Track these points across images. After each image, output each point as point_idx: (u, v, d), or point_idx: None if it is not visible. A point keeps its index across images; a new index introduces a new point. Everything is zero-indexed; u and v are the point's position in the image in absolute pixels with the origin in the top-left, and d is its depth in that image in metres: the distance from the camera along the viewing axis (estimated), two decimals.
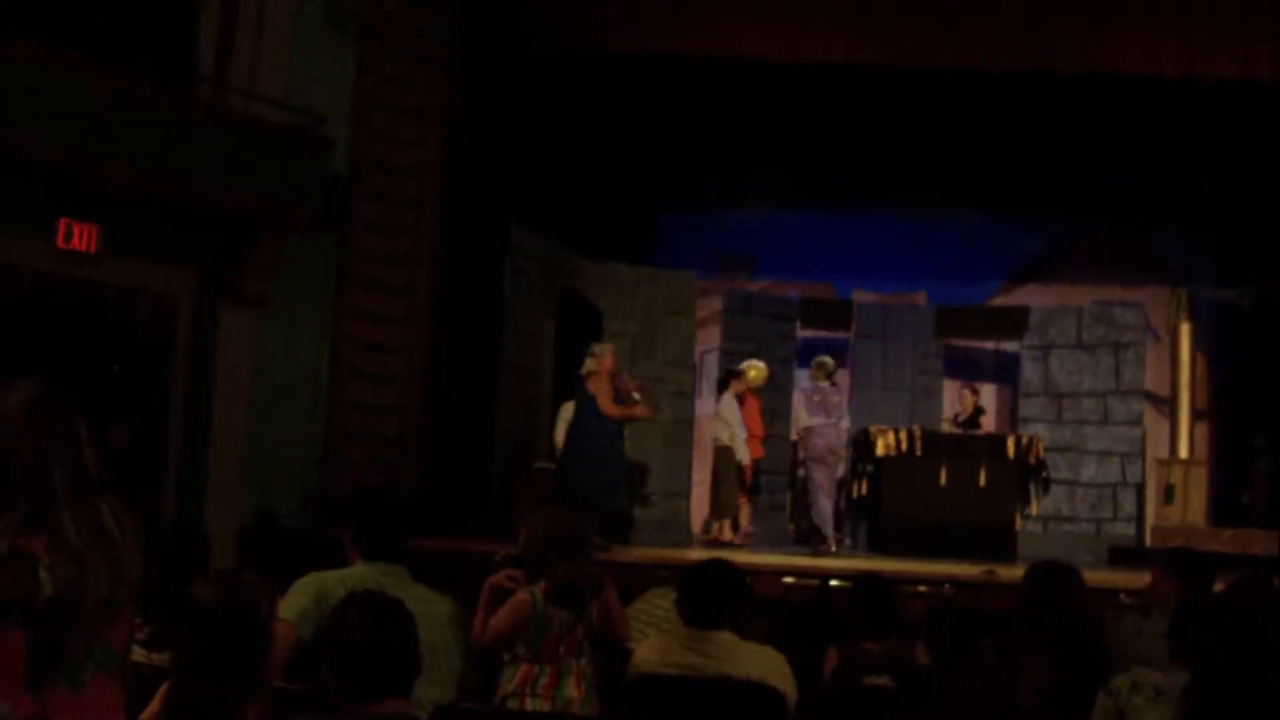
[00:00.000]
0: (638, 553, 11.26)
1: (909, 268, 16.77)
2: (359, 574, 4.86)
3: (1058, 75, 12.81)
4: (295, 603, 4.69)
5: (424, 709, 4.40)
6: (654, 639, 5.20)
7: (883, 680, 5.58)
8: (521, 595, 5.07)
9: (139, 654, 4.57)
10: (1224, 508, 15.27)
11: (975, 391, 14.75)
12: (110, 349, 9.78)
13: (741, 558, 10.56)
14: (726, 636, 5.03)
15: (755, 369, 13.68)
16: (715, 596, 5.10)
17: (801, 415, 13.29)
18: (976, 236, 16.57)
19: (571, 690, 5.04)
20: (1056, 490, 14.70)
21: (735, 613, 5.14)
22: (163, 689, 3.78)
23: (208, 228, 10.31)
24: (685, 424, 14.67)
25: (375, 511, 5.11)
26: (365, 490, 5.29)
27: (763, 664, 4.96)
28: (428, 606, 4.72)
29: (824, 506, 13.04)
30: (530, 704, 4.96)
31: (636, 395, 11.95)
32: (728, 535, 13.22)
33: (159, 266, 10.08)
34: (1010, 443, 13.54)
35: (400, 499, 5.85)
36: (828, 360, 13.51)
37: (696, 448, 15.69)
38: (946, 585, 9.78)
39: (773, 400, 15.24)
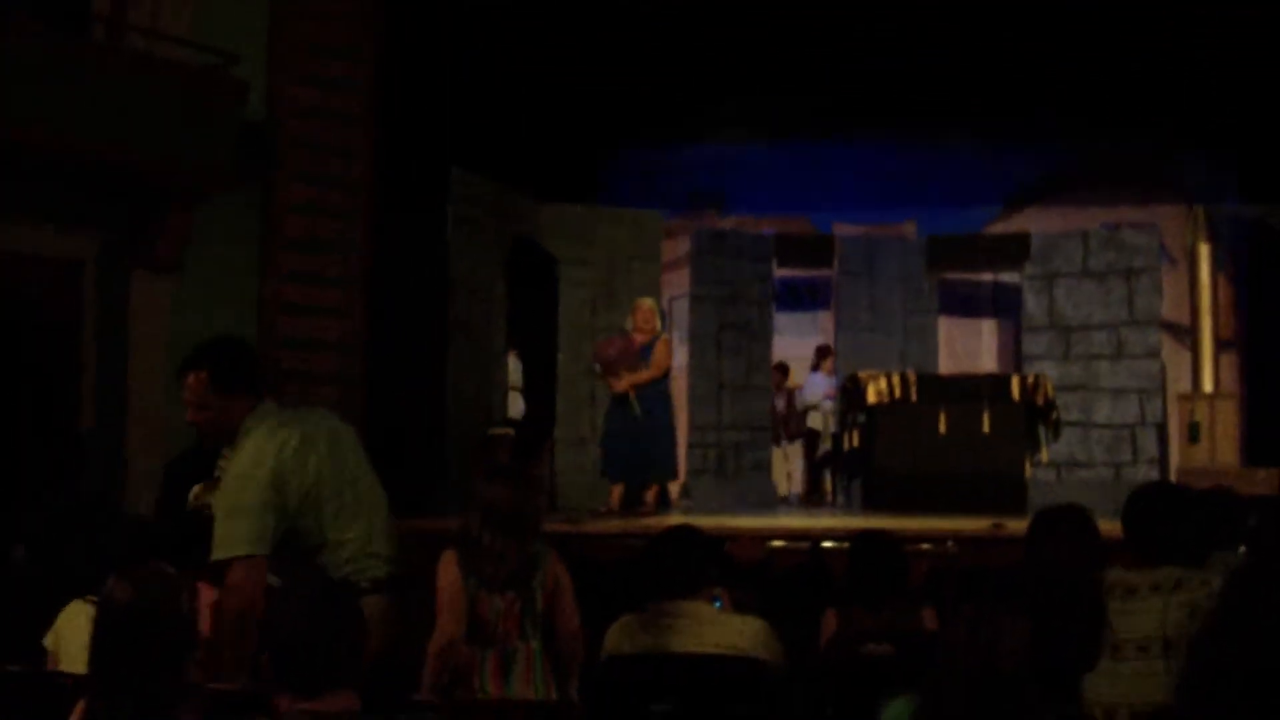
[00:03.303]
0: (616, 524, 11.32)
1: (895, 196, 16.74)
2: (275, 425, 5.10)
3: None
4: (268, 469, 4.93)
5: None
6: (624, 618, 5.21)
7: (884, 648, 5.59)
8: (448, 577, 5.10)
9: None
10: (1258, 445, 15.31)
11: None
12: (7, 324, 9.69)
13: (723, 522, 10.61)
14: (701, 607, 5.05)
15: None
16: (683, 565, 5.12)
17: None
18: (970, 159, 16.49)
19: (520, 677, 5.06)
20: (1068, 433, 14.74)
21: (707, 581, 5.16)
22: (79, 707, 3.75)
23: (112, 186, 10.19)
24: None
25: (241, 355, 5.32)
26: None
27: (742, 634, 4.98)
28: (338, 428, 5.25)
29: None
30: (480, 692, 5.00)
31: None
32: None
33: (59, 232, 9.98)
34: (1015, 383, 13.55)
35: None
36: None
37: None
38: (950, 542, 9.82)
39: (751, 350, 15.26)
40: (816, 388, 15.89)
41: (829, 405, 15.55)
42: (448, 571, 5.12)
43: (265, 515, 4.87)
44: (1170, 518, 4.82)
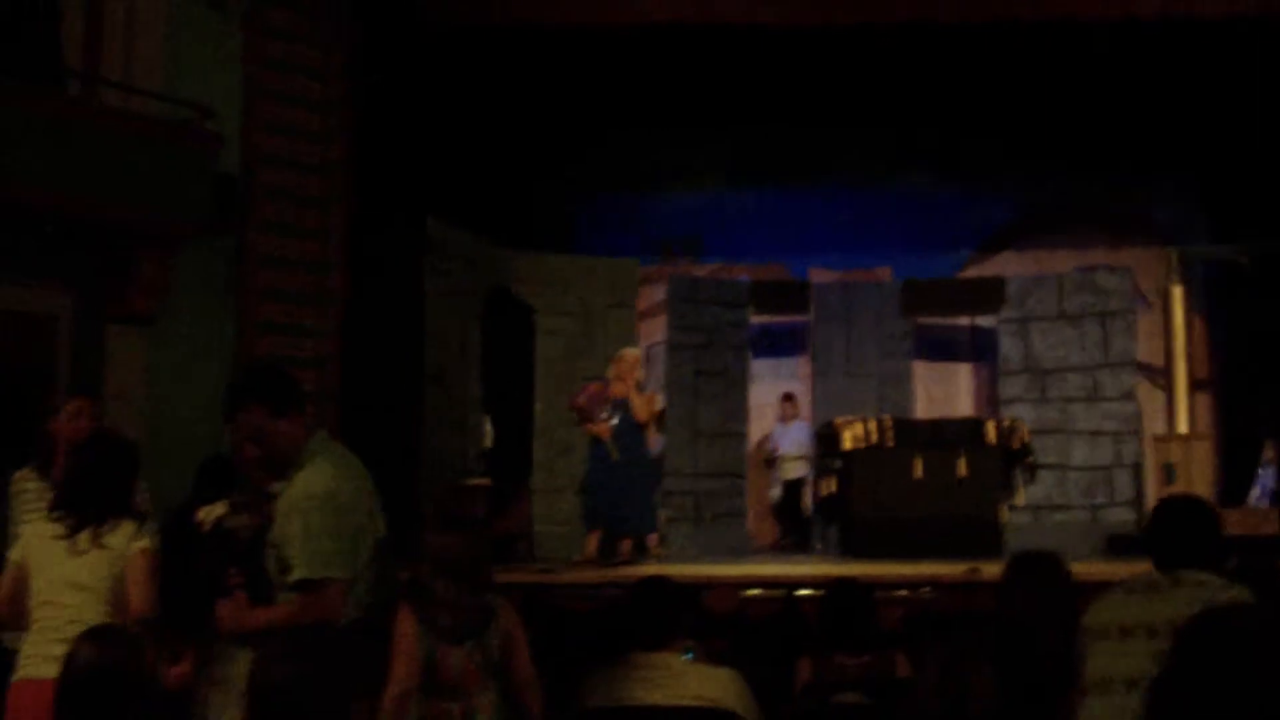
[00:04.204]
0: (593, 574, 11.28)
1: (870, 241, 16.75)
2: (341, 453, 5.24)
3: (1024, 24, 12.80)
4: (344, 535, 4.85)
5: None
6: (596, 671, 5.19)
7: (855, 697, 5.58)
8: (403, 628, 5.06)
9: None
10: (1233, 486, 15.31)
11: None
12: None
13: (698, 571, 10.59)
14: (672, 659, 5.04)
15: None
16: (655, 618, 5.11)
17: None
18: (944, 203, 16.52)
19: None
20: (1045, 476, 14.75)
21: (680, 632, 5.15)
22: None
23: (86, 241, 10.13)
24: None
25: (283, 376, 5.39)
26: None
27: (716, 685, 4.97)
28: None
29: None
30: None
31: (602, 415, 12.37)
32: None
33: (31, 287, 9.92)
34: (990, 427, 13.56)
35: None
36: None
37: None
38: (926, 588, 9.81)
39: (728, 396, 15.25)
40: (778, 437, 16.04)
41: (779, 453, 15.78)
42: (404, 624, 5.09)
43: (346, 539, 4.83)
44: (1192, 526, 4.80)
